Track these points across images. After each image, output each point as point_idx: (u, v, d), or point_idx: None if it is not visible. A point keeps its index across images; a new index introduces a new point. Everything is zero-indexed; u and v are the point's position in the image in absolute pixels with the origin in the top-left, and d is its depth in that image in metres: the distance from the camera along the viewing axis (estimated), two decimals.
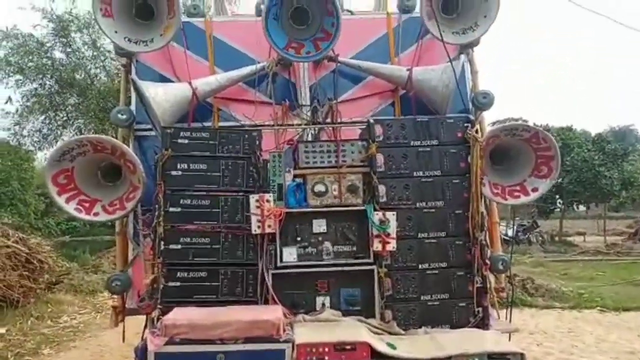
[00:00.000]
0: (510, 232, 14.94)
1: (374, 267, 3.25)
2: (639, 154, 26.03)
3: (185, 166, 3.29)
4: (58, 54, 17.29)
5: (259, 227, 3.14)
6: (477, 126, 3.85)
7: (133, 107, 4.13)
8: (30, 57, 16.80)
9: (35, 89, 17.42)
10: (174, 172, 3.27)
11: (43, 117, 17.93)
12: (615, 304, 9.55)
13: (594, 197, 24.91)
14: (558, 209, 27.08)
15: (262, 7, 3.84)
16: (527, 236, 22.17)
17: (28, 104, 17.54)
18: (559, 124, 25.39)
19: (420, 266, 3.31)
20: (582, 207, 31.33)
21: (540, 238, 22.72)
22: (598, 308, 9.41)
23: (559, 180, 21.49)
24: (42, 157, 19.14)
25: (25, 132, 18.11)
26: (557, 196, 24.80)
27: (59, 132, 18.19)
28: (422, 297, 3.27)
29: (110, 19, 3.77)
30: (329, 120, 4.09)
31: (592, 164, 22.74)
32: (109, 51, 16.79)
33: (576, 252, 19.82)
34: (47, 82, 17.38)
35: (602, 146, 23.82)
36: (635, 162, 25.00)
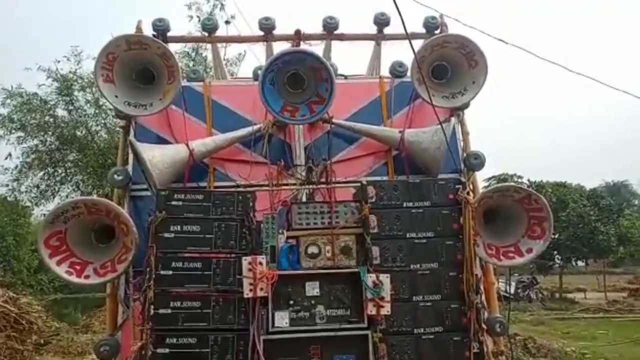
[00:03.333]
0: (508, 289, 14.73)
1: (368, 331, 3.17)
2: (636, 209, 26.15)
3: (178, 228, 3.29)
4: (60, 112, 17.64)
5: (251, 290, 3.09)
6: (470, 187, 3.89)
7: (130, 166, 4.18)
8: (33, 115, 17.13)
9: (36, 145, 17.63)
10: (166, 235, 3.26)
11: (42, 173, 18.02)
12: None
13: (592, 252, 24.80)
14: (557, 265, 26.84)
15: (259, 72, 3.98)
16: (526, 293, 21.88)
17: (28, 160, 17.68)
18: (553, 179, 25.69)
19: (415, 331, 3.24)
20: (580, 263, 31.07)
21: (540, 295, 22.41)
22: None
23: (556, 235, 21.45)
24: (38, 213, 19.11)
25: (23, 188, 18.14)
26: (555, 252, 24.66)
27: (56, 188, 18.23)
28: None
29: (111, 84, 3.89)
30: (323, 180, 4.13)
31: (588, 219, 22.80)
32: (110, 109, 17.12)
33: (577, 310, 19.50)
34: (48, 139, 17.60)
35: (597, 202, 24.01)
36: (631, 217, 25.09)
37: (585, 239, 22.82)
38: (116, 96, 3.94)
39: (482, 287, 3.63)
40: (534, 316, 16.70)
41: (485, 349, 3.32)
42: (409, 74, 4.44)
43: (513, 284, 18.27)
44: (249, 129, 4.26)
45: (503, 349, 4.03)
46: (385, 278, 3.16)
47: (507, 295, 11.54)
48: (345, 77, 4.73)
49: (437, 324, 3.26)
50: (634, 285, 26.30)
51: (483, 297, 3.66)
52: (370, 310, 3.13)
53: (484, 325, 3.35)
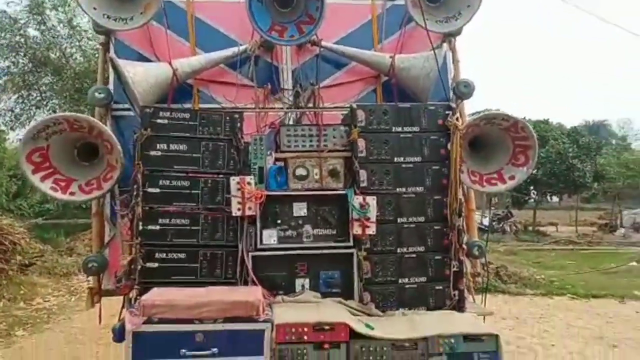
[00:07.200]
0: (485, 221, 15.22)
1: (354, 250, 3.28)
2: (611, 147, 26.75)
3: (165, 146, 3.24)
4: (32, 32, 16.80)
5: (239, 209, 3.13)
6: (458, 114, 3.89)
7: (111, 86, 4.06)
8: (3, 35, 16.29)
9: (8, 67, 16.92)
10: (153, 153, 3.21)
11: (16, 96, 17.44)
12: (585, 291, 9.86)
13: (567, 188, 25.54)
14: (532, 200, 27.68)
15: None
16: (501, 225, 22.65)
17: (0, 82, 17.03)
18: (535, 117, 25.88)
19: (398, 250, 3.34)
20: (555, 199, 32.10)
21: (514, 227, 23.24)
22: (568, 295, 9.71)
23: (534, 171, 21.94)
24: (14, 138, 18.69)
25: None
26: (532, 187, 25.35)
27: (32, 113, 17.76)
28: (400, 280, 3.31)
29: None
30: (310, 105, 4.08)
31: (566, 156, 23.26)
32: (85, 30, 16.42)
33: (548, 242, 20.35)
34: (20, 61, 16.88)
35: (576, 139, 24.39)
36: (607, 155, 25.71)
37: (562, 175, 23.42)
38: (94, 8, 3.74)
39: (463, 212, 3.73)
40: (507, 247, 17.39)
41: (464, 269, 3.47)
42: None
43: (488, 217, 18.85)
44: (234, 49, 4.13)
45: (480, 272, 4.24)
46: (372, 200, 3.21)
47: (483, 227, 11.96)
48: None
49: (419, 244, 3.36)
50: (604, 220, 27.47)
51: (464, 222, 3.77)
52: (356, 230, 3.21)
53: (464, 247, 3.47)
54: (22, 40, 16.60)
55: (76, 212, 19.50)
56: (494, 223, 21.73)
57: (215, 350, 2.65)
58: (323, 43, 4.21)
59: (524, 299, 9.41)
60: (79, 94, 15.97)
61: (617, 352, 6.21)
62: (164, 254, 3.16)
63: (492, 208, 22.71)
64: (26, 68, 17.08)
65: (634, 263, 13.64)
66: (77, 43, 17.10)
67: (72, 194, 3.49)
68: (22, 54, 16.72)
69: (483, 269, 4.23)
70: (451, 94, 4.23)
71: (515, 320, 7.75)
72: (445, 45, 4.23)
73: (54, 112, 17.32)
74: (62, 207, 19.23)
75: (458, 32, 4.22)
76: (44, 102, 17.71)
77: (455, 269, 3.36)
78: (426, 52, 4.01)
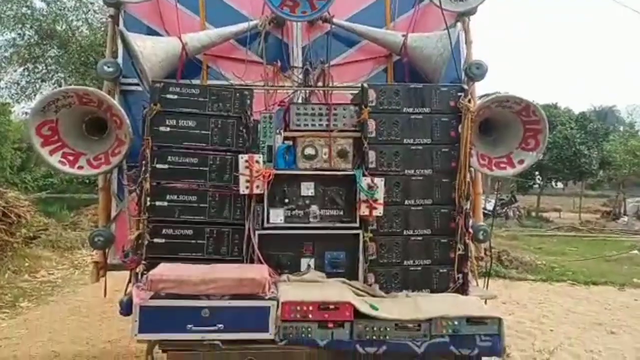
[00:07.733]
0: (489, 206, 15.20)
1: (360, 231, 3.27)
2: (619, 134, 26.51)
3: (174, 122, 3.21)
4: (38, 3, 16.65)
5: (247, 187, 3.12)
6: (469, 96, 3.84)
7: (120, 59, 4.02)
8: (9, 6, 16.13)
9: (14, 38, 16.81)
10: (162, 128, 3.19)
11: (21, 69, 17.36)
12: (585, 278, 9.87)
13: (572, 174, 25.43)
14: (537, 185, 27.60)
15: None
16: (504, 210, 22.61)
17: (6, 54, 16.94)
18: (544, 102, 25.64)
19: (405, 232, 3.34)
20: (560, 185, 31.98)
21: (517, 213, 23.20)
22: (569, 281, 9.72)
23: (540, 156, 21.80)
24: (19, 111, 18.68)
25: (2, 84, 17.56)
26: (537, 172, 25.25)
27: (37, 86, 17.69)
28: (404, 262, 3.32)
29: None
30: (320, 83, 4.04)
31: (573, 142, 23.09)
32: (91, 3, 16.24)
33: (551, 228, 20.34)
34: (27, 33, 16.74)
35: (584, 125, 24.18)
36: (614, 142, 25.50)
37: (568, 161, 23.28)
38: None
39: (470, 196, 3.71)
40: (510, 232, 17.38)
41: (469, 253, 3.47)
42: None
43: (492, 201, 18.81)
44: (244, 25, 4.08)
45: (483, 256, 4.24)
46: (380, 181, 3.20)
47: (486, 212, 11.93)
48: None
49: (426, 227, 3.35)
50: (607, 208, 27.42)
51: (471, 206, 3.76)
52: (363, 211, 3.20)
53: (470, 230, 3.46)
54: (29, 11, 16.44)
55: (80, 187, 19.59)
56: (497, 208, 21.67)
57: (221, 326, 2.67)
58: (335, 20, 4.14)
59: (524, 284, 9.43)
60: (84, 68, 15.89)
61: (614, 338, 6.25)
62: (171, 230, 3.16)
63: (497, 193, 22.63)
64: (32, 40, 16.96)
65: (636, 251, 13.63)
66: (84, 16, 16.95)
67: (80, 167, 3.49)
68: (28, 25, 16.58)
69: (485, 253, 4.22)
70: (463, 75, 4.17)
71: (516, 305, 7.78)
72: (458, 24, 4.15)
73: (60, 85, 17.28)
74: (65, 181, 19.33)
75: (473, 11, 4.15)
76: (50, 75, 17.64)
77: (460, 252, 3.36)
78: (439, 32, 3.95)
